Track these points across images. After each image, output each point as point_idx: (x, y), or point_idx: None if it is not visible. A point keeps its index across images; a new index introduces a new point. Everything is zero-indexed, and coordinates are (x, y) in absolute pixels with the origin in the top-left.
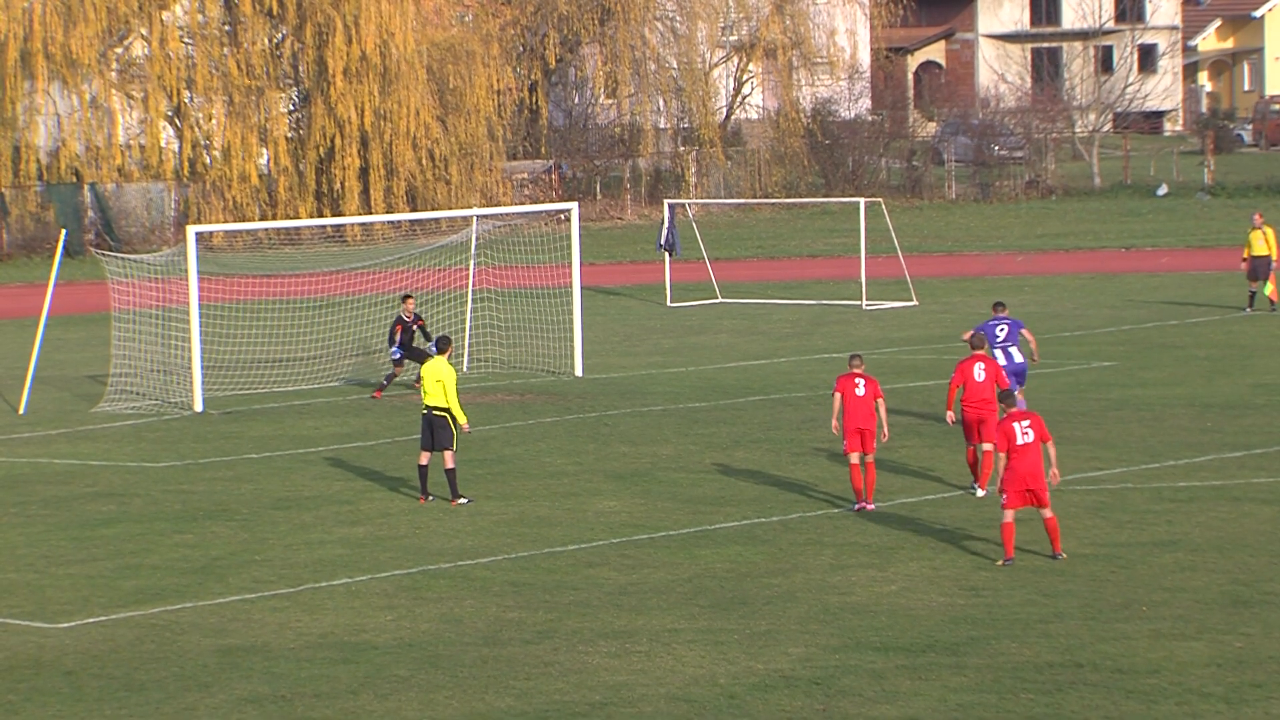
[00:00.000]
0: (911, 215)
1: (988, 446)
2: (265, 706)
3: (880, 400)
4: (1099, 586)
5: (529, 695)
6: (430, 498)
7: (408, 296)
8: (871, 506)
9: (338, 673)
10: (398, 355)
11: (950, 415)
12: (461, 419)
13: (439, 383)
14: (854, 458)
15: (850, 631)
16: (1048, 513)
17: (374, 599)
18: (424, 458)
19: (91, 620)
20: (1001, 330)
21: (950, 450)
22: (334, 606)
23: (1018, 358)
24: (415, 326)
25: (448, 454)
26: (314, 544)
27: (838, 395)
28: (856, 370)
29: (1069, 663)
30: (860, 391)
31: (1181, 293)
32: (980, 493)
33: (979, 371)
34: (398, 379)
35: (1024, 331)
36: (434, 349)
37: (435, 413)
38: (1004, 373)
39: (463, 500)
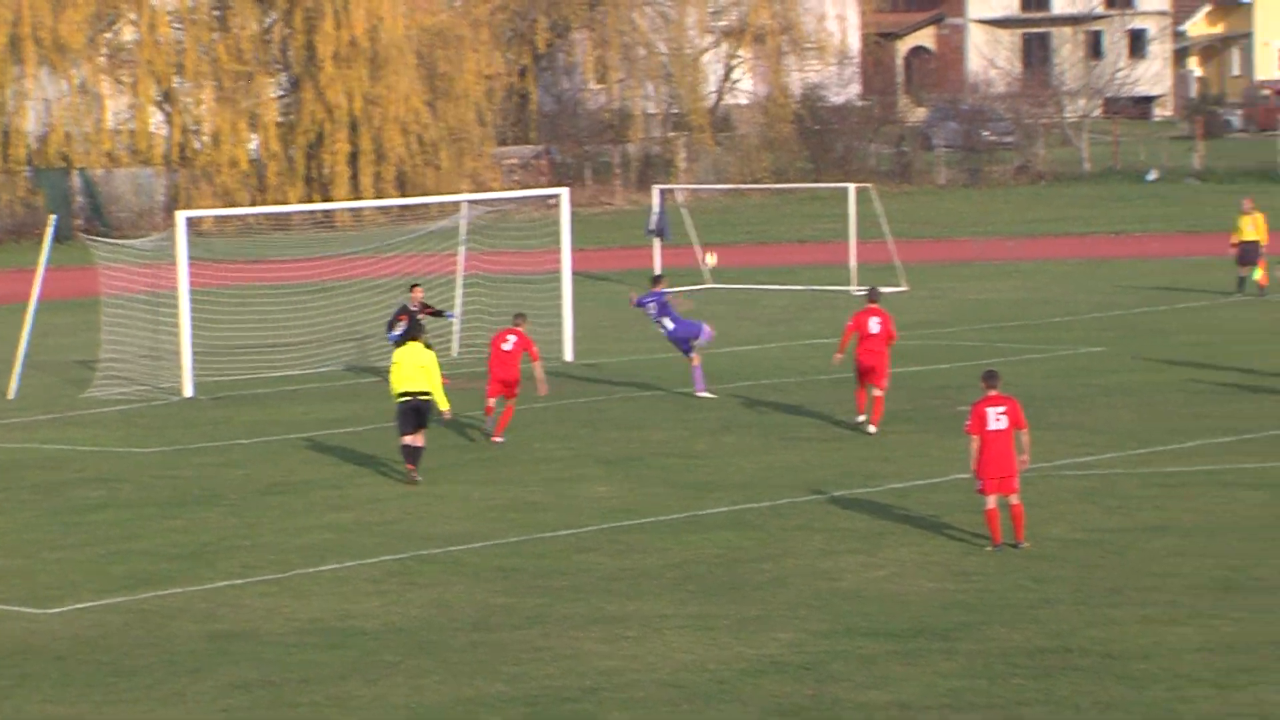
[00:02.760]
0: (901, 201)
1: (878, 392)
2: (254, 692)
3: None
4: (1089, 571)
5: (519, 680)
6: (419, 480)
7: (416, 285)
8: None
9: (326, 658)
10: (394, 338)
11: (839, 356)
12: (444, 405)
13: (423, 368)
14: (491, 402)
15: (840, 617)
16: (1015, 500)
17: (363, 584)
18: (407, 438)
19: (81, 605)
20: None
21: (939, 435)
22: (323, 592)
23: (669, 325)
24: (424, 314)
25: (421, 433)
26: (303, 529)
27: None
28: (514, 327)
29: (1059, 648)
30: (508, 347)
31: (1171, 278)
32: (872, 429)
33: (874, 324)
34: None
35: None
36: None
37: (420, 398)
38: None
39: (417, 477)
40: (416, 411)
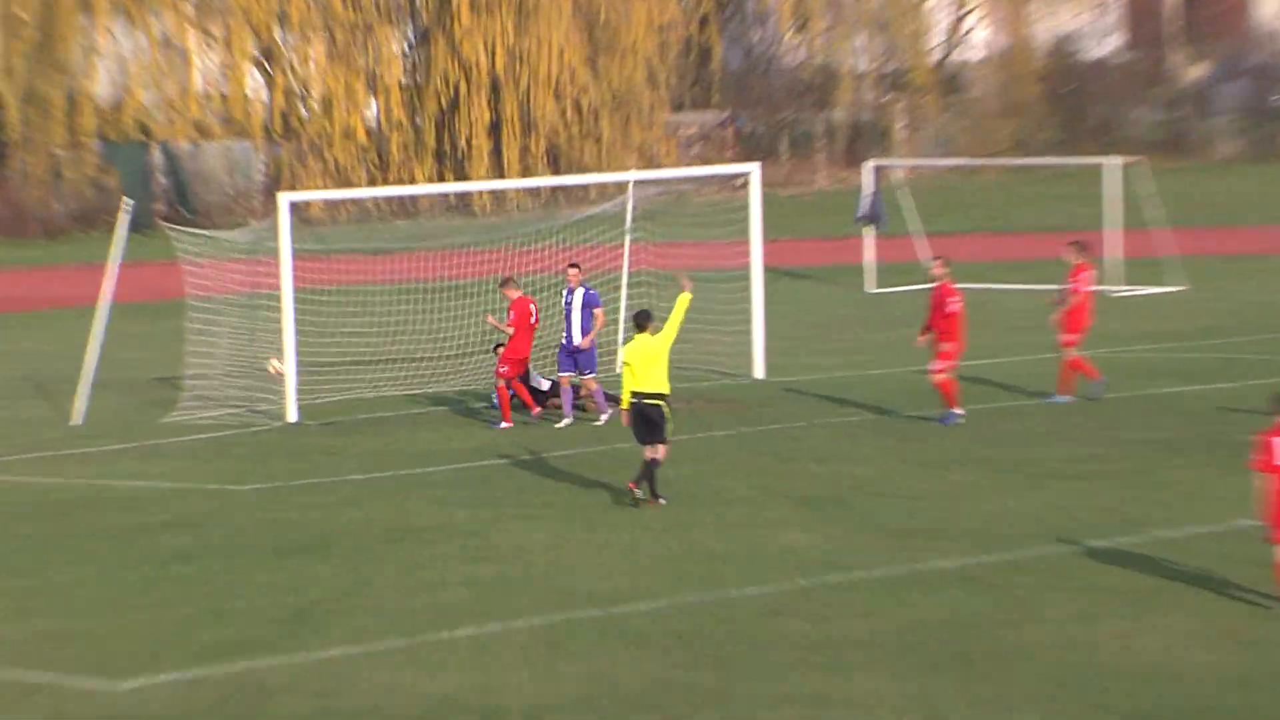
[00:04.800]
0: (1173, 179)
1: None
2: None
3: None
4: None
5: None
6: (640, 498)
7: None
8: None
9: None
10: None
11: None
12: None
13: (657, 364)
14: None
15: (1098, 697)
16: None
17: (506, 654)
18: (648, 452)
19: (161, 679)
20: None
21: (1220, 472)
22: (457, 663)
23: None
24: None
25: (661, 447)
26: (433, 586)
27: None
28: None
29: None
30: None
31: None
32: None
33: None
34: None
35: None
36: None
37: (648, 401)
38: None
39: (662, 501)
40: (646, 418)
